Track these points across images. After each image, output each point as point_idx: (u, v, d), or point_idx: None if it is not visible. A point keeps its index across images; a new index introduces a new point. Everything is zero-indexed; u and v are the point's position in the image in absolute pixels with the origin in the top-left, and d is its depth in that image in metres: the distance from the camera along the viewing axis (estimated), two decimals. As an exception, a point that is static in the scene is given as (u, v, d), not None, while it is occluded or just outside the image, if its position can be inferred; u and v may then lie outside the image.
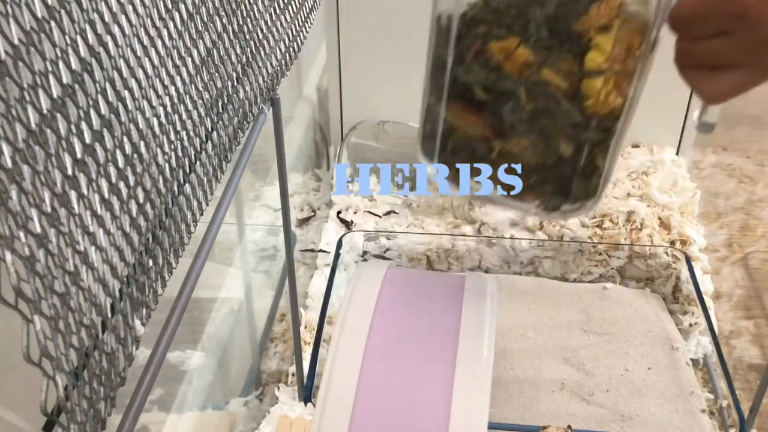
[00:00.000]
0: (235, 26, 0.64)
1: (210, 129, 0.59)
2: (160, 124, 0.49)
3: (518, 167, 0.49)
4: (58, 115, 0.36)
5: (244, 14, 0.66)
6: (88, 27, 0.39)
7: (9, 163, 0.32)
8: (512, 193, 0.50)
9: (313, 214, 1.36)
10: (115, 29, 0.43)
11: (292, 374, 1.06)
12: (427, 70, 0.50)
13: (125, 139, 0.44)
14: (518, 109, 0.47)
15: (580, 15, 0.45)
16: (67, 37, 0.37)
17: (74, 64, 0.38)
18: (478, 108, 0.48)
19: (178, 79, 0.52)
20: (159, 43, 0.49)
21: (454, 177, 0.52)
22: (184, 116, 0.54)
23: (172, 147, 0.51)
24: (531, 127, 0.47)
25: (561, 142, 0.48)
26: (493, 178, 0.50)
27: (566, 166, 0.49)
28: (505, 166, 0.49)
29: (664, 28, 0.46)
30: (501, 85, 0.47)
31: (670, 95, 1.38)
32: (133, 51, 0.45)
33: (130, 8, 0.45)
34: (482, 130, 0.49)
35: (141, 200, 0.46)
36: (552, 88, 0.46)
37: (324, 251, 1.26)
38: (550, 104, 0.46)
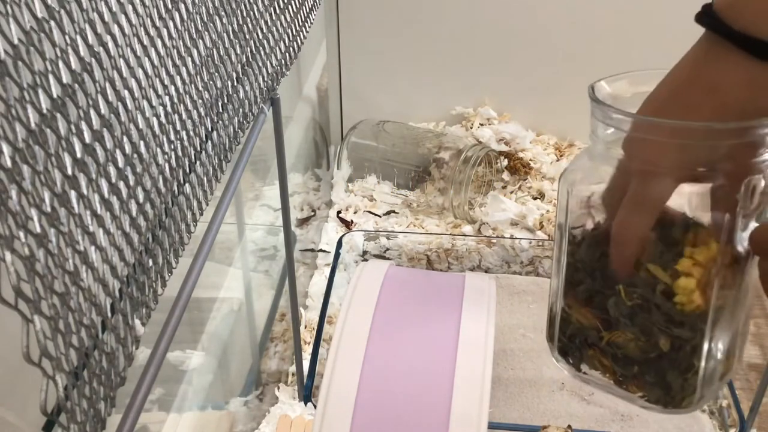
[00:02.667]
0: (235, 26, 0.64)
1: (210, 129, 0.59)
2: (160, 124, 0.49)
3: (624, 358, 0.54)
4: (58, 115, 0.36)
5: (244, 14, 0.66)
6: (87, 27, 0.39)
7: (9, 163, 0.32)
8: (617, 382, 0.54)
9: (313, 213, 1.36)
10: (115, 29, 0.43)
11: (292, 374, 1.06)
12: (555, 260, 0.57)
13: (125, 139, 0.44)
14: (620, 304, 0.51)
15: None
16: (67, 37, 0.37)
17: (74, 64, 0.38)
18: (588, 300, 0.53)
19: (178, 79, 0.52)
20: (159, 43, 0.49)
21: (571, 361, 0.57)
22: (184, 116, 0.54)
23: (172, 147, 0.51)
24: (632, 321, 0.51)
25: (660, 337, 0.51)
26: (603, 366, 0.54)
27: (665, 360, 0.52)
28: (612, 355, 0.54)
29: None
30: (606, 282, 0.52)
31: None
32: (133, 51, 0.45)
33: (129, 8, 0.45)
34: (592, 321, 0.53)
35: (141, 200, 0.46)
36: (649, 285, 0.50)
37: (324, 251, 1.26)
38: (646, 300, 0.50)
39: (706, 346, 0.51)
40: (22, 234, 0.33)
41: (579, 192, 0.55)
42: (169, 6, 0.51)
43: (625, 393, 0.55)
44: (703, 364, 0.52)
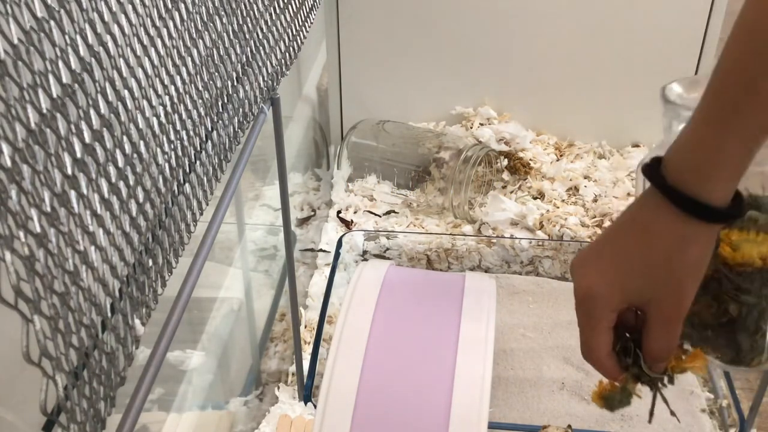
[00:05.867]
0: (235, 26, 0.64)
1: (210, 129, 0.59)
2: (160, 123, 0.49)
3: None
4: (58, 115, 0.36)
5: (244, 14, 0.66)
6: (87, 27, 0.39)
7: (9, 163, 0.32)
8: (694, 344, 0.60)
9: (313, 213, 1.36)
10: (115, 29, 0.43)
11: (292, 374, 1.06)
12: None
13: (125, 138, 0.44)
14: None
15: None
16: (66, 37, 0.37)
17: (74, 63, 0.38)
18: None
19: (177, 78, 0.52)
20: (159, 42, 0.49)
21: None
22: (184, 116, 0.54)
23: (172, 147, 0.51)
24: (705, 291, 0.57)
25: (730, 304, 0.57)
26: (683, 333, 0.59)
27: (736, 325, 0.59)
28: (690, 322, 0.60)
29: None
30: None
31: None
32: (133, 51, 0.45)
33: (129, 8, 0.45)
34: None
35: (141, 200, 0.46)
36: (719, 258, 0.56)
37: (324, 251, 1.26)
38: (717, 271, 0.57)
39: None
40: (22, 234, 0.33)
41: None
42: (169, 6, 0.51)
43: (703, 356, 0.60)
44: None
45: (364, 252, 1.20)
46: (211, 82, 0.59)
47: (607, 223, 1.25)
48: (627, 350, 0.55)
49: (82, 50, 0.39)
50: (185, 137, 0.54)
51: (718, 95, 0.48)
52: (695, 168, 0.48)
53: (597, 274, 0.52)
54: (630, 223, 0.52)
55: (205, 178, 0.58)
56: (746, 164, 0.48)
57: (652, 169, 0.50)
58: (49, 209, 0.35)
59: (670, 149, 0.50)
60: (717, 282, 0.56)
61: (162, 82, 0.50)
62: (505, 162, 1.37)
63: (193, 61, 0.55)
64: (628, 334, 0.55)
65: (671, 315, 0.53)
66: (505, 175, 1.36)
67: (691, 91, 0.63)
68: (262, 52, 0.71)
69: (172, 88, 0.51)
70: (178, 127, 0.53)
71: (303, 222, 1.33)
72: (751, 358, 0.61)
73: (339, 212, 1.33)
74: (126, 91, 0.44)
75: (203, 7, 0.57)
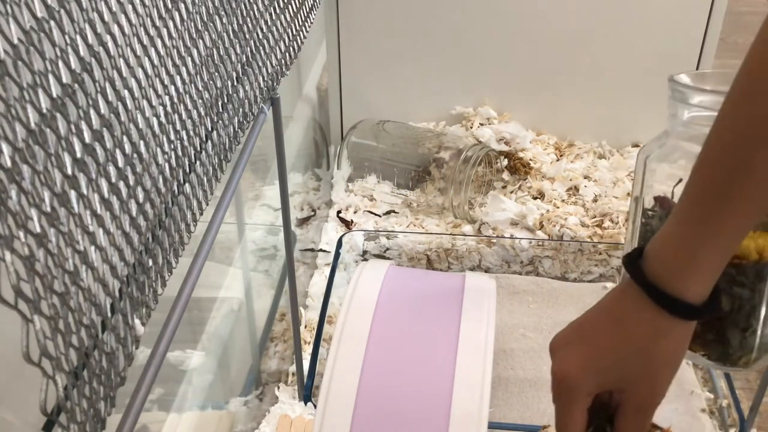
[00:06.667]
0: (235, 26, 0.64)
1: (210, 129, 0.59)
2: (160, 123, 0.49)
3: None
4: (58, 115, 0.36)
5: (244, 14, 0.66)
6: (87, 27, 0.39)
7: (9, 163, 0.32)
8: None
9: (313, 213, 1.36)
10: (115, 29, 0.43)
11: (292, 374, 1.06)
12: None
13: (125, 138, 0.44)
14: None
15: None
16: (66, 37, 0.37)
17: (74, 63, 0.38)
18: None
19: (177, 78, 0.52)
20: (159, 42, 0.49)
21: None
22: (184, 116, 0.54)
23: (172, 147, 0.51)
24: None
25: (723, 298, 0.55)
26: None
27: (726, 321, 0.59)
28: None
29: None
30: None
31: (670, 95, 1.38)
32: (133, 51, 0.45)
33: (129, 8, 0.45)
34: None
35: (141, 200, 0.46)
36: None
37: (324, 251, 1.26)
38: None
39: (763, 311, 0.58)
40: (21, 234, 0.33)
41: (652, 165, 0.64)
42: (169, 6, 0.51)
43: (690, 353, 0.61)
44: (760, 325, 0.59)
45: (364, 252, 1.20)
46: (211, 82, 0.59)
47: (607, 223, 1.25)
48: (600, 430, 0.56)
49: (82, 50, 0.39)
50: (185, 137, 0.54)
51: (699, 192, 0.49)
52: (673, 266, 0.50)
53: (574, 358, 0.53)
54: (608, 311, 0.53)
55: (205, 178, 0.58)
56: (724, 263, 0.50)
57: (633, 261, 0.52)
58: (49, 209, 0.35)
59: (653, 241, 0.51)
60: None
61: (162, 82, 0.50)
62: (505, 162, 1.37)
63: (193, 61, 0.55)
64: (604, 413, 0.55)
65: (643, 404, 0.53)
66: (505, 175, 1.36)
67: (698, 83, 0.65)
68: (262, 52, 0.71)
69: (172, 88, 0.51)
70: (178, 127, 0.53)
71: (303, 222, 1.33)
72: (739, 357, 0.61)
73: (339, 212, 1.33)
74: (126, 91, 0.44)
75: (203, 7, 0.57)
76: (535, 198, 1.33)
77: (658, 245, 0.51)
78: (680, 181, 0.63)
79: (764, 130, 0.45)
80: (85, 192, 0.39)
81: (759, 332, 0.60)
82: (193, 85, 0.55)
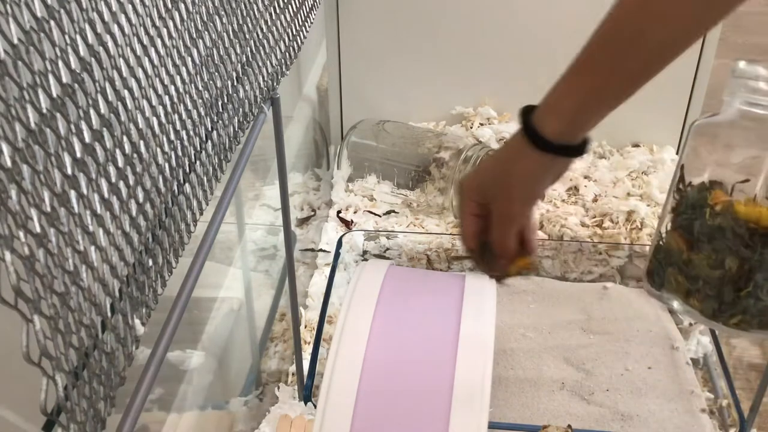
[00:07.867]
0: (235, 26, 0.64)
1: (210, 129, 0.59)
2: (160, 123, 0.49)
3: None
4: (58, 115, 0.36)
5: (244, 14, 0.66)
6: (87, 27, 0.39)
7: (9, 163, 0.32)
8: (685, 294, 0.68)
9: (313, 213, 1.36)
10: (115, 29, 0.43)
11: (292, 374, 1.06)
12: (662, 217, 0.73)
13: (125, 138, 0.44)
14: (703, 225, 0.66)
15: None
16: (66, 37, 0.37)
17: (74, 63, 0.38)
18: (681, 225, 0.69)
19: (177, 78, 0.52)
20: (159, 42, 0.49)
21: (655, 279, 0.73)
22: (184, 116, 0.54)
23: (172, 147, 0.52)
24: (709, 241, 0.65)
25: (728, 256, 0.64)
26: (677, 282, 0.69)
27: (727, 279, 0.65)
28: (686, 274, 0.68)
29: None
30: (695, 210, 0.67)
31: (670, 95, 1.38)
32: (133, 51, 0.45)
33: (129, 8, 0.45)
34: (679, 243, 0.69)
35: (141, 200, 0.46)
36: (729, 212, 0.64)
37: (324, 251, 1.26)
38: (726, 224, 0.64)
39: (761, 276, 0.63)
40: (21, 234, 0.33)
41: (695, 139, 0.71)
42: (169, 6, 0.51)
43: (688, 308, 0.68)
44: (759, 291, 0.64)
45: (364, 252, 1.20)
46: (211, 82, 0.59)
47: (607, 223, 1.25)
48: (486, 244, 0.72)
49: (82, 50, 0.39)
50: (185, 137, 0.54)
51: (581, 54, 0.64)
52: (543, 106, 0.65)
53: (470, 177, 0.72)
54: (502, 146, 0.72)
55: (205, 178, 0.58)
56: (582, 116, 0.63)
57: (528, 107, 0.67)
58: (49, 209, 0.35)
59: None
60: (722, 233, 0.64)
61: (162, 82, 0.50)
62: (505, 162, 1.36)
63: (193, 61, 0.55)
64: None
65: (503, 212, 0.69)
66: (505, 175, 1.36)
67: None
68: (262, 52, 0.71)
69: (172, 88, 0.51)
70: (178, 127, 0.53)
71: (303, 222, 1.33)
72: (731, 315, 0.66)
73: (339, 212, 1.33)
74: (126, 91, 0.44)
75: (203, 7, 0.57)
76: (535, 198, 1.33)
77: (548, 92, 0.65)
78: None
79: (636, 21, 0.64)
80: (85, 192, 0.39)
81: (753, 296, 0.64)
82: (193, 85, 0.55)
